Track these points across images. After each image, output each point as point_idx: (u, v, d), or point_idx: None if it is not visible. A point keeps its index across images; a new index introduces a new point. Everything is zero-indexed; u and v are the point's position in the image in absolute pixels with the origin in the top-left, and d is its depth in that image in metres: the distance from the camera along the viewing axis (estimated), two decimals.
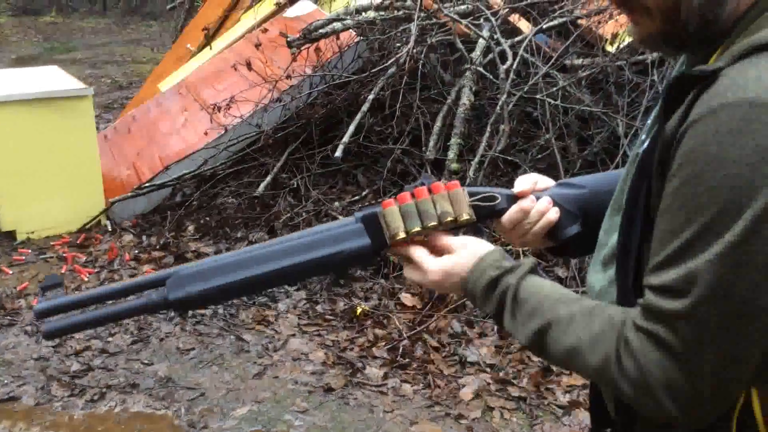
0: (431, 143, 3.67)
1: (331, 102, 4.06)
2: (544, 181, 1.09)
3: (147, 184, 4.01)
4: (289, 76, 3.95)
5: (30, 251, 3.67)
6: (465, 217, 1.01)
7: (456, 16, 3.81)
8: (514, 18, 4.08)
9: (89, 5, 14.86)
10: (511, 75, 3.51)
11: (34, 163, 3.74)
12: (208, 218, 3.86)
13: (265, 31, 4.61)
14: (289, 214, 3.77)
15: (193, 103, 4.50)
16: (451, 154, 3.49)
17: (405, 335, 2.90)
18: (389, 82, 3.83)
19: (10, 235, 3.77)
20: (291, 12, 4.71)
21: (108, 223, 3.94)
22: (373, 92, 3.83)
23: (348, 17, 4.02)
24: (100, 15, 14.39)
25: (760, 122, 0.67)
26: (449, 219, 1.01)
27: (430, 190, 1.02)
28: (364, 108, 3.78)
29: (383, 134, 3.99)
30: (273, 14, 4.94)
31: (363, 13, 4.06)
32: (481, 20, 3.92)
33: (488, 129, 3.51)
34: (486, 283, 0.92)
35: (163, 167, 4.08)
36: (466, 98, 3.63)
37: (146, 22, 13.53)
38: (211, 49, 5.20)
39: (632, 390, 0.76)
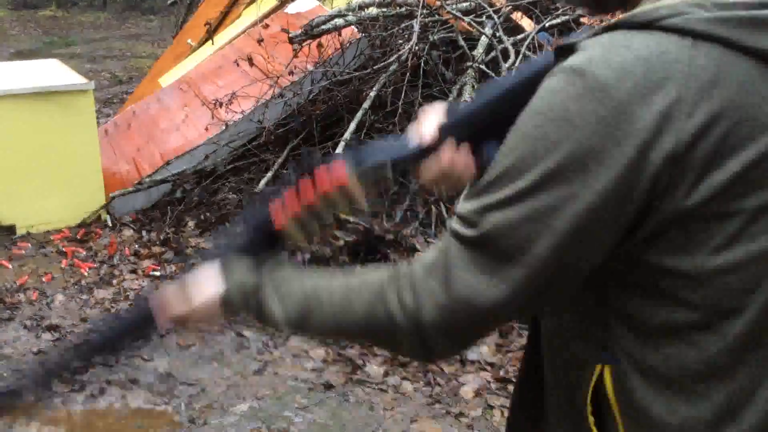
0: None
1: (333, 98, 4.05)
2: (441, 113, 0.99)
3: (147, 179, 4.00)
4: (291, 72, 3.94)
5: (29, 245, 3.66)
6: (361, 207, 0.95)
7: (458, 14, 3.80)
8: (517, 16, 4.07)
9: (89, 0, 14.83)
10: None
11: (34, 157, 3.73)
12: (208, 214, 3.86)
13: (267, 26, 4.59)
14: None
15: (194, 99, 4.49)
16: None
17: None
18: (391, 79, 3.83)
19: (10, 229, 3.75)
20: (293, 8, 4.70)
21: (108, 218, 3.93)
22: (374, 89, 3.83)
23: (350, 13, 4.01)
24: (99, 9, 14.35)
25: (572, 86, 0.72)
26: (344, 211, 0.96)
27: (314, 188, 0.92)
28: (366, 105, 3.77)
29: (384, 131, 3.98)
30: (274, 10, 4.93)
31: (365, 10, 4.05)
32: (484, 18, 3.92)
33: None
34: (246, 287, 0.92)
35: (164, 163, 4.07)
36: (468, 96, 3.62)
37: (146, 17, 13.49)
38: (212, 44, 5.18)
39: (406, 323, 0.79)
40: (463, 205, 0.79)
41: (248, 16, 5.19)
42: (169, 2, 8.45)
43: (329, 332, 0.91)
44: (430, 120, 0.95)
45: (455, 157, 0.93)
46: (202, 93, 4.48)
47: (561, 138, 0.71)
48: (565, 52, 0.76)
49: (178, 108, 4.53)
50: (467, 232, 0.77)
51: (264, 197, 0.97)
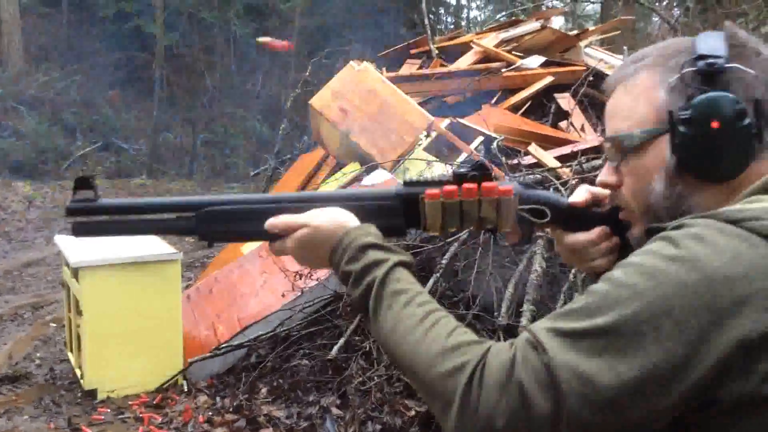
0: (503, 308, 3.68)
1: None
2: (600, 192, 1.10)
3: (224, 345, 4.11)
4: None
5: (109, 410, 3.74)
6: (506, 229, 1.00)
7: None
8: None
9: (178, 168, 15.96)
10: None
11: (119, 323, 3.91)
12: (281, 380, 3.89)
13: None
14: (361, 378, 3.77)
15: (273, 266, 4.69)
16: (524, 321, 3.48)
17: None
18: (462, 248, 3.93)
19: (92, 393, 3.87)
20: (368, 180, 4.97)
21: (184, 383, 4.01)
22: (445, 257, 3.92)
23: None
24: (187, 178, 15.39)
25: (666, 250, 0.81)
26: (489, 227, 1.00)
27: (479, 188, 0.99)
28: (437, 273, 3.86)
29: (454, 298, 4.03)
30: (351, 182, 5.21)
31: None
32: (551, 190, 4.04)
33: (562, 296, 3.51)
34: (367, 244, 0.97)
35: (241, 328, 4.20)
36: (538, 265, 3.67)
37: (230, 185, 14.36)
38: None
39: (457, 411, 0.80)
40: (540, 322, 0.84)
41: (326, 187, 5.50)
42: (252, 173, 9.03)
43: (392, 345, 0.92)
44: (582, 188, 1.07)
45: (604, 241, 1.04)
46: (281, 260, 4.67)
47: (644, 289, 0.77)
48: (656, 230, 0.85)
49: (258, 274, 4.72)
50: (539, 353, 0.79)
51: (421, 183, 1.04)
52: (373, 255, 0.97)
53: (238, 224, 1.05)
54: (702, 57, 0.87)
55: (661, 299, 0.76)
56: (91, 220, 1.07)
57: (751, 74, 0.87)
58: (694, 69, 0.87)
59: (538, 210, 1.02)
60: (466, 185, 0.99)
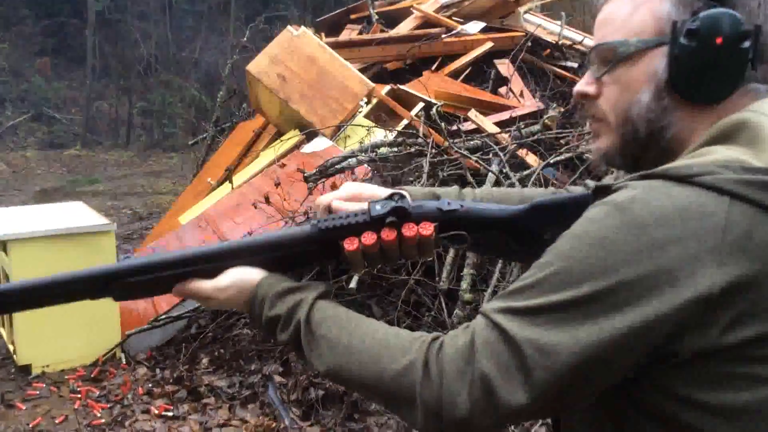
0: (444, 274, 3.71)
1: None
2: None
3: (163, 316, 4.04)
4: (306, 213, 4.07)
5: (44, 385, 3.65)
6: (428, 259, 1.03)
7: (466, 152, 3.97)
8: (522, 152, 4.23)
9: (113, 139, 15.50)
10: None
11: None
12: (222, 350, 3.86)
13: (284, 165, 4.79)
14: None
15: (212, 236, 4.61)
16: (464, 285, 3.53)
17: None
18: None
19: (26, 369, 3.76)
20: (308, 147, 4.92)
21: (123, 355, 3.94)
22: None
23: (362, 153, 4.19)
24: (123, 148, 14.98)
25: (612, 218, 0.79)
26: (412, 260, 1.03)
27: (399, 233, 0.97)
28: None
29: (397, 265, 4.04)
30: (291, 150, 5.15)
31: (377, 150, 4.24)
32: (491, 155, 4.08)
33: (500, 259, 3.56)
34: (282, 290, 0.99)
35: (181, 299, 4.13)
36: None
37: (167, 155, 14.04)
38: (232, 188, 5.38)
39: (424, 411, 0.82)
40: (491, 304, 0.83)
41: (266, 155, 5.42)
42: (190, 143, 8.83)
43: (339, 368, 0.92)
44: (348, 185, 1.09)
45: None
46: (220, 230, 4.61)
47: (595, 262, 0.77)
48: (602, 191, 0.84)
49: (197, 244, 4.64)
50: (499, 336, 0.80)
51: (341, 233, 1.00)
52: (291, 298, 0.98)
53: (151, 289, 1.08)
54: None
55: (613, 270, 0.76)
56: None
57: (755, 1, 0.87)
58: None
59: (460, 239, 1.01)
60: (385, 233, 0.97)
